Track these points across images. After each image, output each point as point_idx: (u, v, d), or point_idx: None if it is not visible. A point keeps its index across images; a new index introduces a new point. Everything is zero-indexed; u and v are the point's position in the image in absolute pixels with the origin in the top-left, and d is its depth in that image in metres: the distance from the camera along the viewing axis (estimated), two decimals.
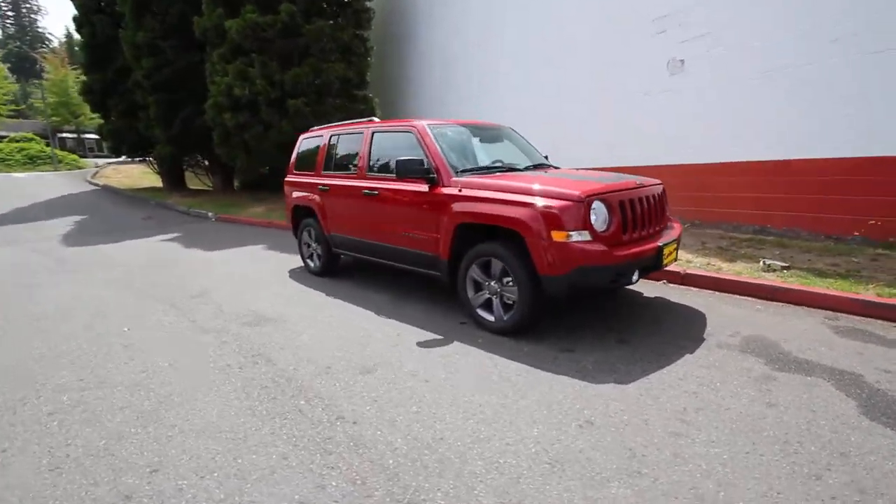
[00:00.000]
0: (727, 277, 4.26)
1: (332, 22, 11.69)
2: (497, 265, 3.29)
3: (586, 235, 2.92)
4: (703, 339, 3.17)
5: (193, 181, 17.17)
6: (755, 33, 5.74)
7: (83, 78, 15.99)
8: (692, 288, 4.36)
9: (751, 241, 5.71)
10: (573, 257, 2.90)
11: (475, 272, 3.47)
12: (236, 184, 16.18)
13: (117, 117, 14.78)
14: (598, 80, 7.60)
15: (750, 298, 4.02)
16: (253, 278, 5.34)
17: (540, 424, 2.23)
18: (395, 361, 3.00)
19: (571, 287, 2.99)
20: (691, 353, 2.97)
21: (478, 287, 3.51)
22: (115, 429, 2.34)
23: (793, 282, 4.11)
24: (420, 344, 3.27)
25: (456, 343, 3.25)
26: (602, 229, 2.98)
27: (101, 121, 16.42)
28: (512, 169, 3.93)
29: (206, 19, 11.38)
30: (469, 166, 3.80)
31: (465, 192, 3.44)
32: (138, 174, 21.41)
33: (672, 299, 4.06)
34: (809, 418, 2.23)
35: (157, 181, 17.86)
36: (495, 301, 3.39)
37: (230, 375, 2.88)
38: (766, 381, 2.59)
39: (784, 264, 4.57)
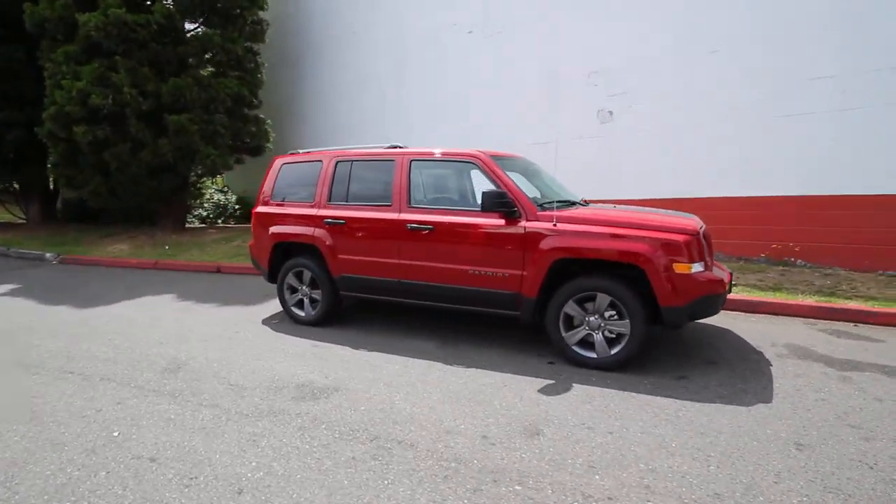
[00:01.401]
0: None
1: (220, 31, 10.25)
2: (603, 299, 3.25)
3: (701, 267, 3.12)
4: (761, 353, 3.62)
5: None
6: (669, 97, 7.04)
7: None
8: None
9: None
10: (698, 288, 3.06)
11: (571, 308, 3.35)
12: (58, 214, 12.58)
13: None
14: (535, 125, 8.28)
15: (734, 311, 4.77)
16: (223, 337, 4.16)
17: (771, 457, 2.24)
18: (547, 417, 2.66)
19: (691, 317, 3.14)
20: (772, 366, 3.36)
21: (570, 324, 3.40)
22: None
23: (751, 295, 5.05)
24: (543, 392, 2.97)
25: (577, 386, 3.05)
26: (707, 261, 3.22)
27: None
28: (572, 203, 3.96)
29: (45, 8, 8.85)
30: (541, 200, 3.70)
31: (563, 226, 3.33)
32: None
33: None
34: None
35: None
36: (597, 337, 3.32)
37: (375, 472, 2.16)
38: (848, 381, 3.08)
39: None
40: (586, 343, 3.36)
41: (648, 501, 1.95)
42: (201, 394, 3.03)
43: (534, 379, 3.18)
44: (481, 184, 3.78)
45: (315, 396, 2.97)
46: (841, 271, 5.85)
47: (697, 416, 2.65)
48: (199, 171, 10.43)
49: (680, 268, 3.04)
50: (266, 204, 4.68)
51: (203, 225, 13.07)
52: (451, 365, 3.47)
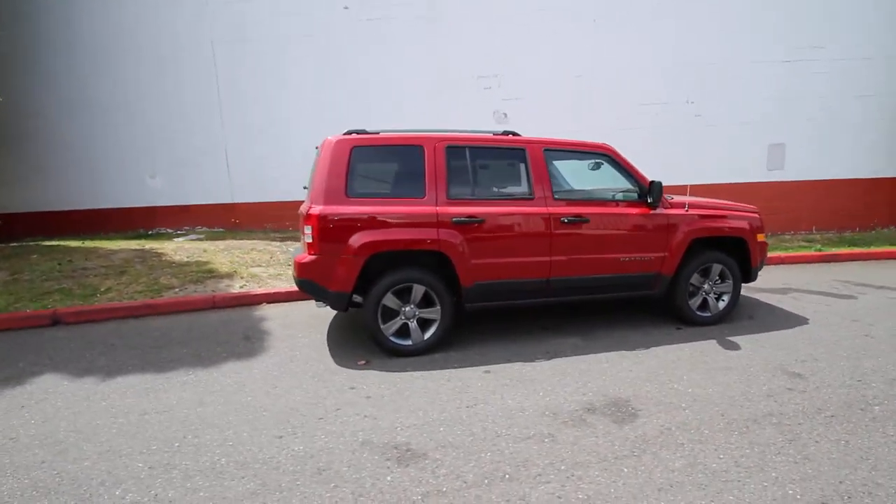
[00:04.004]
0: None
1: None
2: (716, 268, 4.07)
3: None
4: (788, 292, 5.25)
5: None
6: (549, 107, 8.47)
7: None
8: None
9: None
10: (765, 250, 4.28)
11: (695, 279, 4.04)
12: None
13: None
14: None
15: None
16: (358, 401, 2.86)
17: (872, 345, 3.57)
18: (773, 365, 3.29)
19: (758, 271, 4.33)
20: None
21: (693, 292, 4.09)
22: None
23: None
24: (730, 349, 3.58)
25: (732, 339, 3.77)
26: None
27: None
28: None
29: None
30: None
31: (693, 211, 3.95)
32: None
33: None
34: None
35: None
36: (710, 299, 4.13)
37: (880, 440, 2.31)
38: (800, 299, 4.95)
39: None
40: (703, 306, 4.14)
41: None
42: (584, 448, 2.19)
43: (701, 343, 3.74)
44: (610, 174, 3.96)
45: (634, 413, 2.65)
46: None
47: (807, 336, 3.83)
48: None
49: (760, 237, 4.20)
50: (338, 202, 3.30)
51: None
52: (633, 350, 3.61)
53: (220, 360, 3.50)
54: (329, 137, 3.47)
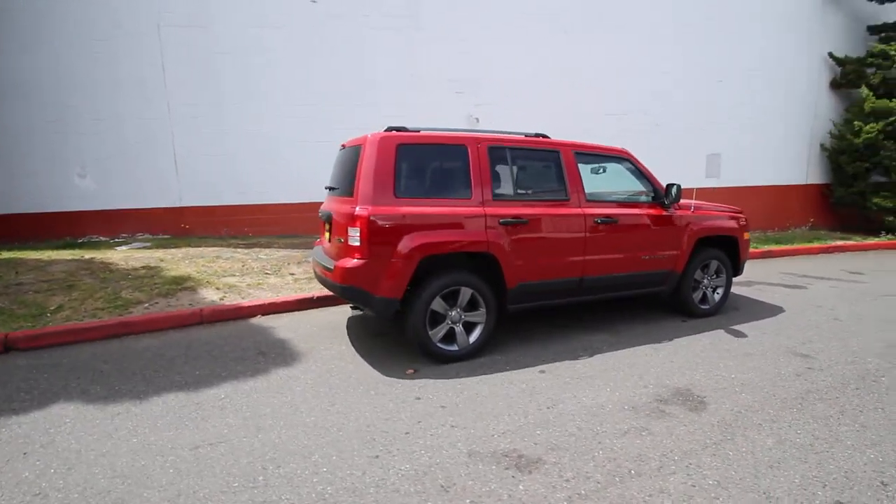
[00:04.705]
0: None
1: None
2: (713, 264, 4.45)
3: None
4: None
5: None
6: (518, 113, 8.73)
7: None
8: None
9: None
10: (748, 246, 4.75)
11: (697, 274, 4.38)
12: None
13: None
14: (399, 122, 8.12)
15: None
16: (433, 413, 2.71)
17: (844, 327, 4.14)
18: (785, 348, 3.68)
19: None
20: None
21: (694, 286, 4.43)
22: None
23: None
24: (737, 336, 3.93)
25: (737, 327, 4.16)
26: None
27: None
28: None
29: None
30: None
31: (698, 212, 4.28)
32: None
33: None
34: None
35: None
36: (708, 293, 4.50)
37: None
38: (764, 291, 5.61)
39: None
40: (703, 300, 4.50)
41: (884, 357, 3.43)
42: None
43: (712, 333, 4.06)
44: (620, 177, 4.16)
45: (702, 401, 2.80)
46: None
47: (791, 322, 4.34)
48: None
49: (746, 236, 4.67)
50: (386, 203, 3.10)
51: None
52: (661, 343, 3.82)
53: (247, 380, 3.11)
54: (370, 135, 3.26)
